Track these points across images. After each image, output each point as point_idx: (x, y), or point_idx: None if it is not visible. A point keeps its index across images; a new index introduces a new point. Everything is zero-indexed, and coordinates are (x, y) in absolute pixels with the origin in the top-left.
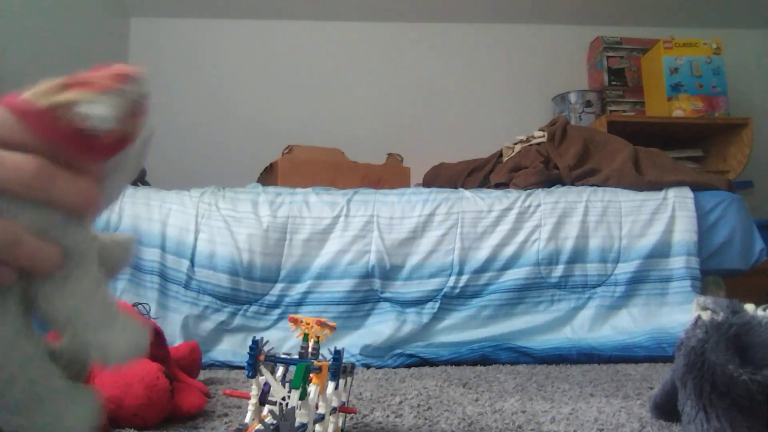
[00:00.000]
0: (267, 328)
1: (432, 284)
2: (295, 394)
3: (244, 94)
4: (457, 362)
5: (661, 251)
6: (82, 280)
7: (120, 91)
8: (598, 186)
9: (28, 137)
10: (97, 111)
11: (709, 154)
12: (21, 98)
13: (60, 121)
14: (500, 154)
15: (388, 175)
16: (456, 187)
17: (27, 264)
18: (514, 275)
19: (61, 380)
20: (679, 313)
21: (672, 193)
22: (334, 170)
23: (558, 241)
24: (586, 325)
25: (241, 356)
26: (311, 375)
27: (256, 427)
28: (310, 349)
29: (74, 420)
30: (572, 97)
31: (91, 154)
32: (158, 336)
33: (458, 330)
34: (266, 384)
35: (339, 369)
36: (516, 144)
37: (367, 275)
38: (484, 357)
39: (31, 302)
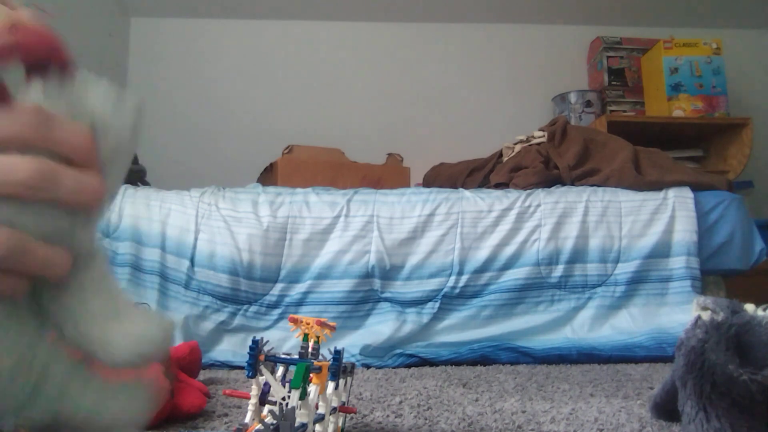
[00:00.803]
0: (267, 328)
1: (432, 284)
2: (295, 394)
3: (244, 94)
4: (457, 362)
5: (661, 251)
6: (89, 277)
7: None
8: (598, 186)
9: (25, 134)
10: None
11: (709, 154)
12: None
13: None
14: (500, 154)
15: (388, 175)
16: (456, 187)
17: (37, 272)
18: (514, 275)
19: (91, 377)
20: (679, 313)
21: (672, 193)
22: (334, 170)
23: (558, 241)
24: (586, 325)
25: (241, 356)
26: (311, 375)
27: (256, 427)
28: (310, 349)
29: (116, 413)
30: (572, 97)
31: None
32: None
33: (458, 330)
34: (266, 384)
35: (339, 369)
36: (516, 144)
37: (367, 275)
38: (484, 357)
39: (38, 303)
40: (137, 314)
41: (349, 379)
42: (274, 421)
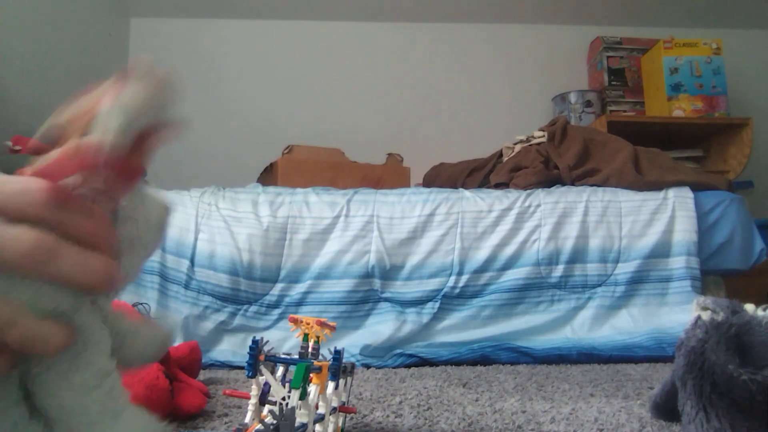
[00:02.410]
0: (267, 328)
1: (432, 284)
2: (295, 394)
3: (244, 94)
4: (457, 362)
5: (661, 251)
6: (86, 369)
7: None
8: (598, 186)
9: (36, 209)
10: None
11: (709, 154)
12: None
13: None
14: (500, 154)
15: (388, 175)
16: (456, 187)
17: (20, 347)
18: (514, 275)
19: None
20: (679, 313)
21: (672, 193)
22: (334, 170)
23: (558, 241)
24: (586, 325)
25: (241, 356)
26: (311, 375)
27: (256, 427)
28: (310, 349)
29: None
30: (572, 97)
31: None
32: None
33: (458, 330)
34: (266, 384)
35: (339, 369)
36: (516, 144)
37: (367, 275)
38: (484, 357)
39: (29, 387)
40: (135, 414)
41: (349, 379)
42: (274, 421)
